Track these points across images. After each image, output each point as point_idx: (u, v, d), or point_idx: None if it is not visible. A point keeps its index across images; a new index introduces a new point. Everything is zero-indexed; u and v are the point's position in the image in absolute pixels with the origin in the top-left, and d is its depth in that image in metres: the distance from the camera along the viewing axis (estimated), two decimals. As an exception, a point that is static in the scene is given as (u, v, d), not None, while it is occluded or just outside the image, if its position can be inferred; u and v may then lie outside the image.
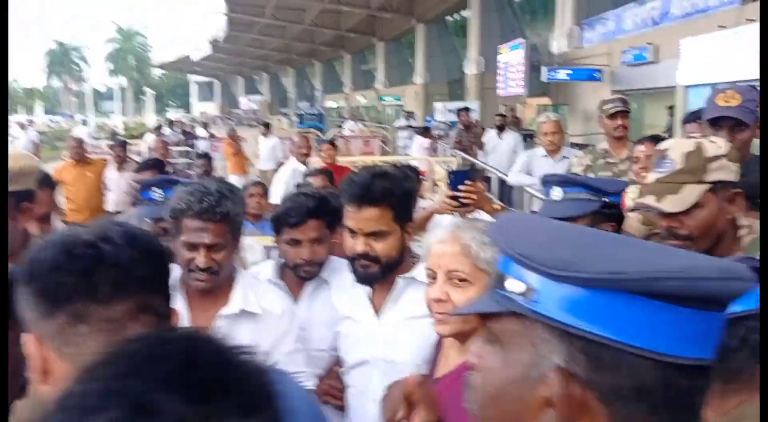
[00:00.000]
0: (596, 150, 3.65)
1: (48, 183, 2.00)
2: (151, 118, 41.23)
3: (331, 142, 5.60)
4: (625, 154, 3.45)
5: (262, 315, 1.75)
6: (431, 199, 5.94)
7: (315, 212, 2.00)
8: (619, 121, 3.47)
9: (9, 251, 1.60)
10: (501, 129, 7.86)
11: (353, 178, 1.74)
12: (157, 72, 74.17)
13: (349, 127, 19.48)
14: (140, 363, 0.49)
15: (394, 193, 1.68)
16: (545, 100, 16.51)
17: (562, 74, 13.82)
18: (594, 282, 0.56)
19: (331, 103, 39.02)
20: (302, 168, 5.74)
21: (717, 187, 1.39)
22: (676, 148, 1.44)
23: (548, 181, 1.88)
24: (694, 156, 1.39)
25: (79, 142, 6.78)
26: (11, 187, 1.65)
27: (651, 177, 1.45)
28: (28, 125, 19.86)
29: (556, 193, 1.82)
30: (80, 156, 6.47)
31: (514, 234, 0.64)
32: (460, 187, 2.24)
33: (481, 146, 8.49)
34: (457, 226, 1.39)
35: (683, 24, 11.12)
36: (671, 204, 1.38)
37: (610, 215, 1.80)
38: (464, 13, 23.62)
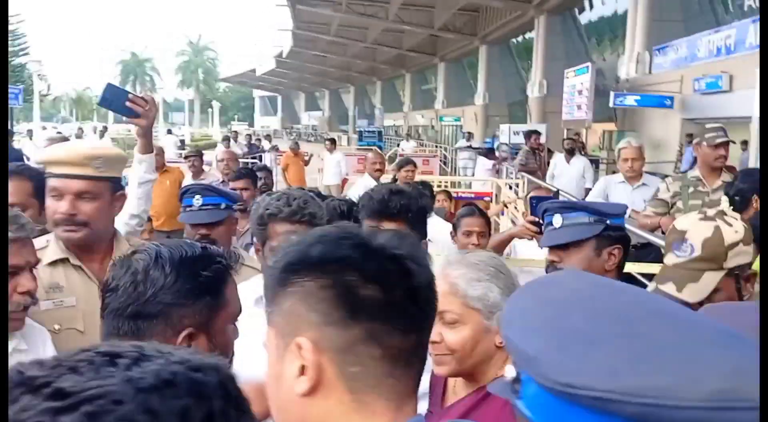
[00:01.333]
0: (687, 177, 3.60)
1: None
2: (216, 130, 42.53)
3: (412, 162, 5.68)
4: (717, 183, 3.41)
5: None
6: (498, 220, 5.94)
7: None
8: (722, 151, 3.44)
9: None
10: (570, 153, 7.75)
11: (371, 194, 1.82)
12: (221, 85, 76.57)
13: (404, 146, 19.62)
14: None
15: (410, 208, 1.77)
16: (610, 126, 16.24)
17: (630, 100, 13.57)
18: (551, 390, 0.51)
19: (389, 122, 39.40)
20: (374, 184, 5.78)
21: (734, 270, 1.45)
22: (696, 232, 1.47)
23: (548, 209, 1.81)
24: (714, 243, 1.45)
25: (160, 150, 7.14)
26: (113, 173, 1.72)
27: (669, 259, 1.50)
28: (103, 132, 20.92)
29: (556, 219, 1.77)
30: (159, 163, 6.78)
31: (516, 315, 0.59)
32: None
33: (544, 171, 8.40)
34: (447, 263, 1.35)
35: (759, 53, 10.81)
36: (692, 294, 1.44)
37: (616, 238, 1.74)
38: (529, 35, 23.55)
